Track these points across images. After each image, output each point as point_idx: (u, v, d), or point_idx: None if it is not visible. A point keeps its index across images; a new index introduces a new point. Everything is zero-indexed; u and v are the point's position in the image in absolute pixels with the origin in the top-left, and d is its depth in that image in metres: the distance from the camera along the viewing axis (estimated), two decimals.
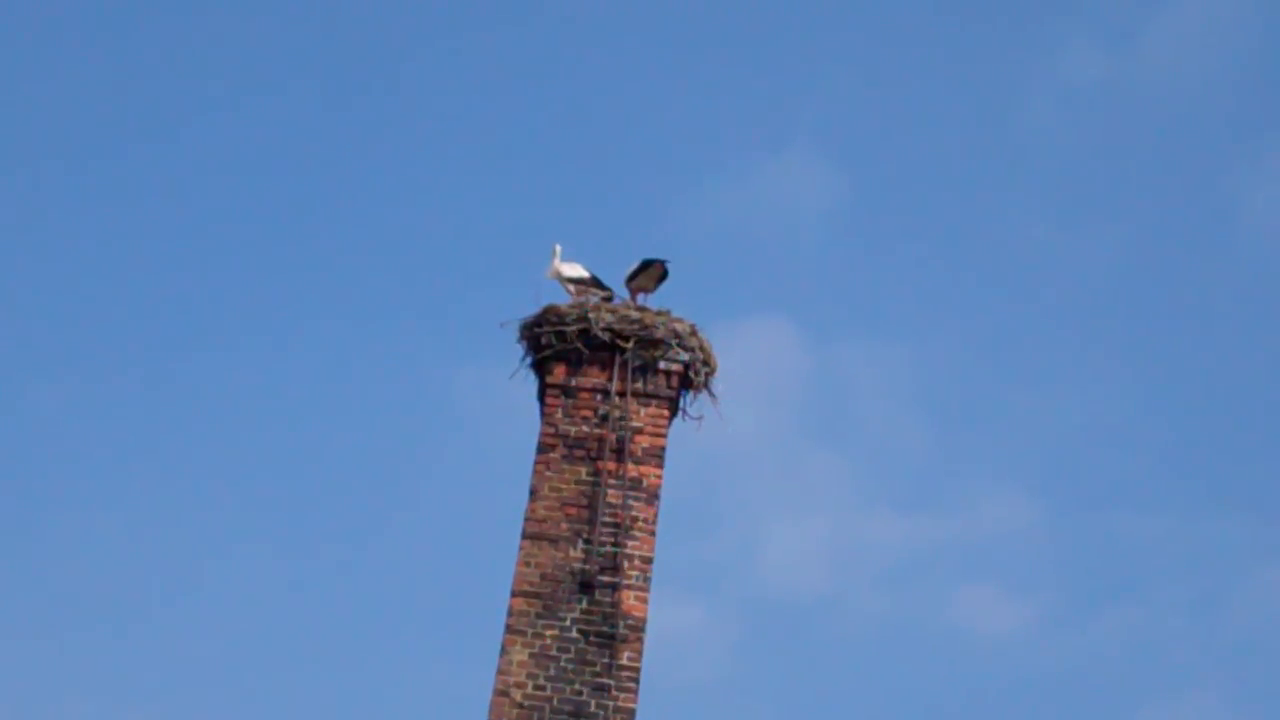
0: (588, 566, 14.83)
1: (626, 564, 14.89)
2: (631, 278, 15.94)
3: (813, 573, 37.25)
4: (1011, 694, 33.97)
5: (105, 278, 37.69)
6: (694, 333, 15.60)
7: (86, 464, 35.91)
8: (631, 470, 15.15)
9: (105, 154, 38.64)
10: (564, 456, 15.22)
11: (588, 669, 14.60)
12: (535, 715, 14.45)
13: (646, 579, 14.91)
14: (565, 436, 15.28)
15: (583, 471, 15.18)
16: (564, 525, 15.02)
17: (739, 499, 37.24)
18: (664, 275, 15.89)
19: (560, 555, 14.92)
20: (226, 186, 38.87)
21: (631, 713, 14.49)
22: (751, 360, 34.49)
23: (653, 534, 15.05)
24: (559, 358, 15.49)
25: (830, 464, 38.40)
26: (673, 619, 32.58)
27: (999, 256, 39.77)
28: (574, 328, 15.45)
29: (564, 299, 15.79)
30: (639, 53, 39.99)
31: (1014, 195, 40.34)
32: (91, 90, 38.82)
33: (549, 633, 14.71)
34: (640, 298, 15.89)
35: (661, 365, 15.47)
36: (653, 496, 15.15)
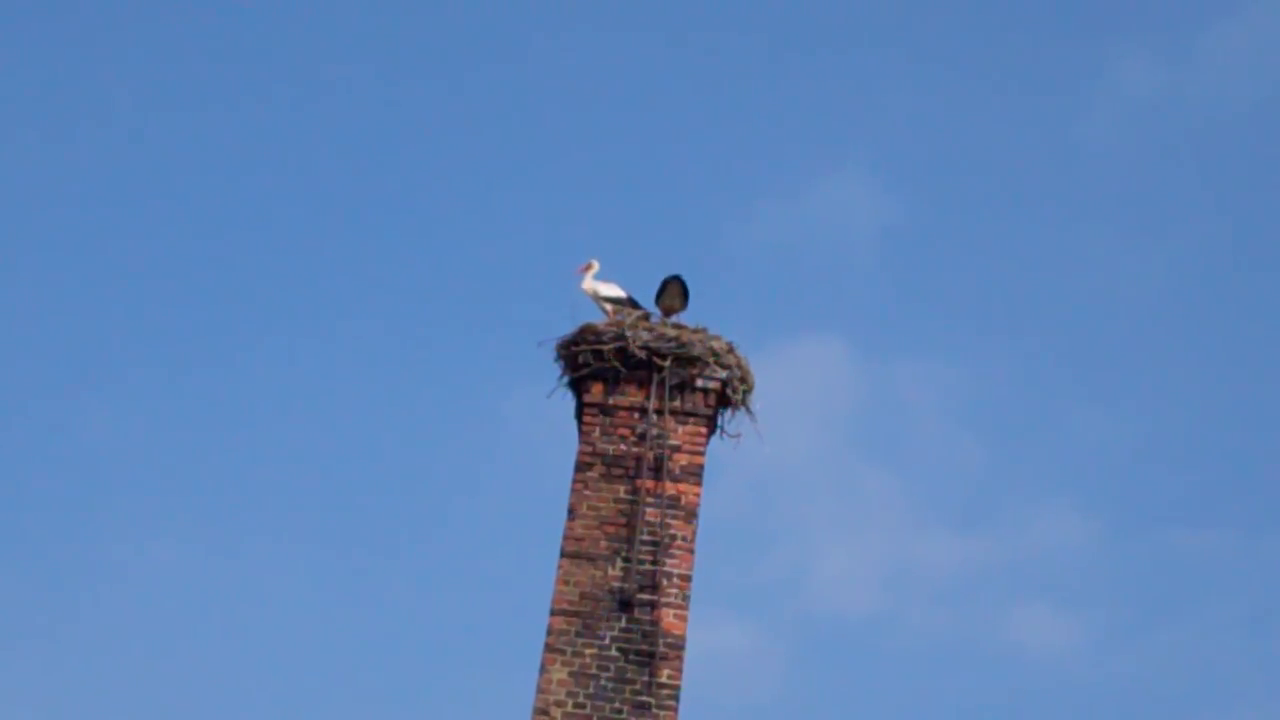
0: (626, 585, 14.84)
1: (665, 582, 14.88)
2: (659, 298, 15.97)
3: (866, 592, 37.18)
4: (1066, 711, 33.80)
5: (156, 302, 37.91)
6: (731, 350, 15.59)
7: (135, 485, 36.11)
8: (670, 488, 15.15)
9: (159, 175, 38.87)
10: (602, 475, 15.24)
11: (627, 687, 14.60)
12: None
13: (685, 597, 14.90)
14: (603, 455, 15.30)
15: (621, 490, 15.19)
16: (603, 544, 15.02)
17: (792, 518, 37.20)
18: (685, 290, 15.91)
19: (599, 574, 14.92)
20: (281, 210, 39.06)
21: None
22: (804, 379, 34.47)
23: (691, 552, 15.05)
24: (596, 376, 15.51)
25: (883, 482, 38.32)
26: (725, 639, 32.55)
27: (1053, 272, 39.66)
28: (611, 346, 15.46)
29: (600, 316, 15.82)
30: (692, 73, 40.04)
31: (1069, 210, 40.21)
32: (148, 109, 39.05)
33: (588, 651, 14.71)
34: (674, 317, 15.90)
35: (699, 383, 15.46)
36: (691, 514, 15.14)
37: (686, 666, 14.79)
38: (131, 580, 35.23)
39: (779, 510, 36.39)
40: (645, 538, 15.02)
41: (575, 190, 38.91)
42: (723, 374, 15.49)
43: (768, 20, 40.24)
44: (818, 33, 40.35)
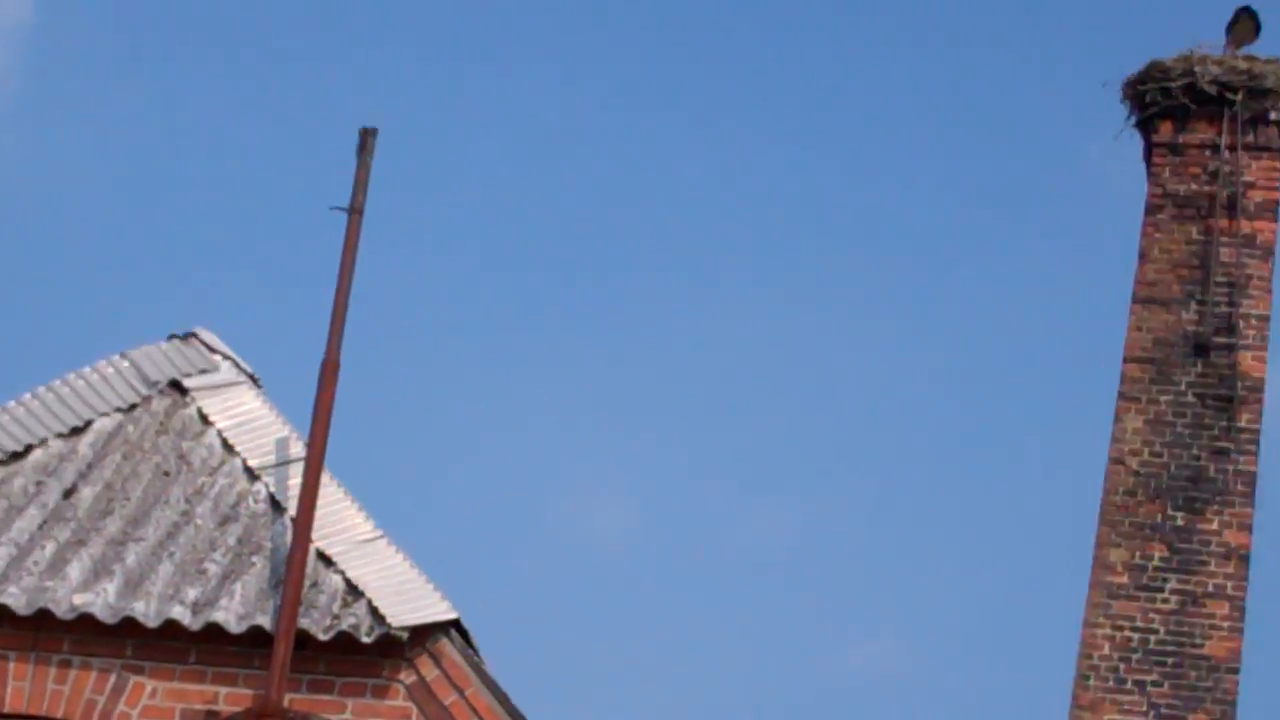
0: (1202, 329, 14.55)
1: (1242, 324, 14.53)
2: (1229, 30, 15.25)
3: None
4: None
5: None
6: None
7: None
8: (1244, 226, 14.69)
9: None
10: (1173, 217, 14.81)
11: (1205, 433, 14.40)
12: (1152, 482, 14.36)
13: (1264, 338, 14.55)
14: (1174, 196, 14.84)
15: (1193, 231, 14.75)
16: (1175, 287, 14.69)
17: None
18: (1257, 21, 15.17)
19: (1173, 318, 14.63)
20: None
21: (1252, 476, 14.30)
22: None
23: (1269, 291, 14.65)
24: (1165, 115, 14.94)
25: None
26: None
27: None
28: (1179, 83, 14.86)
29: (1168, 54, 15.19)
30: None
31: None
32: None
33: (1163, 398, 14.51)
34: (1245, 48, 15.20)
35: (1273, 116, 14.81)
36: (1268, 252, 14.70)
37: (1267, 409, 14.54)
38: None
39: None
40: (1220, 279, 14.62)
41: None
42: None
43: None
44: None
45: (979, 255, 35.90)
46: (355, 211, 9.99)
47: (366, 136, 10.13)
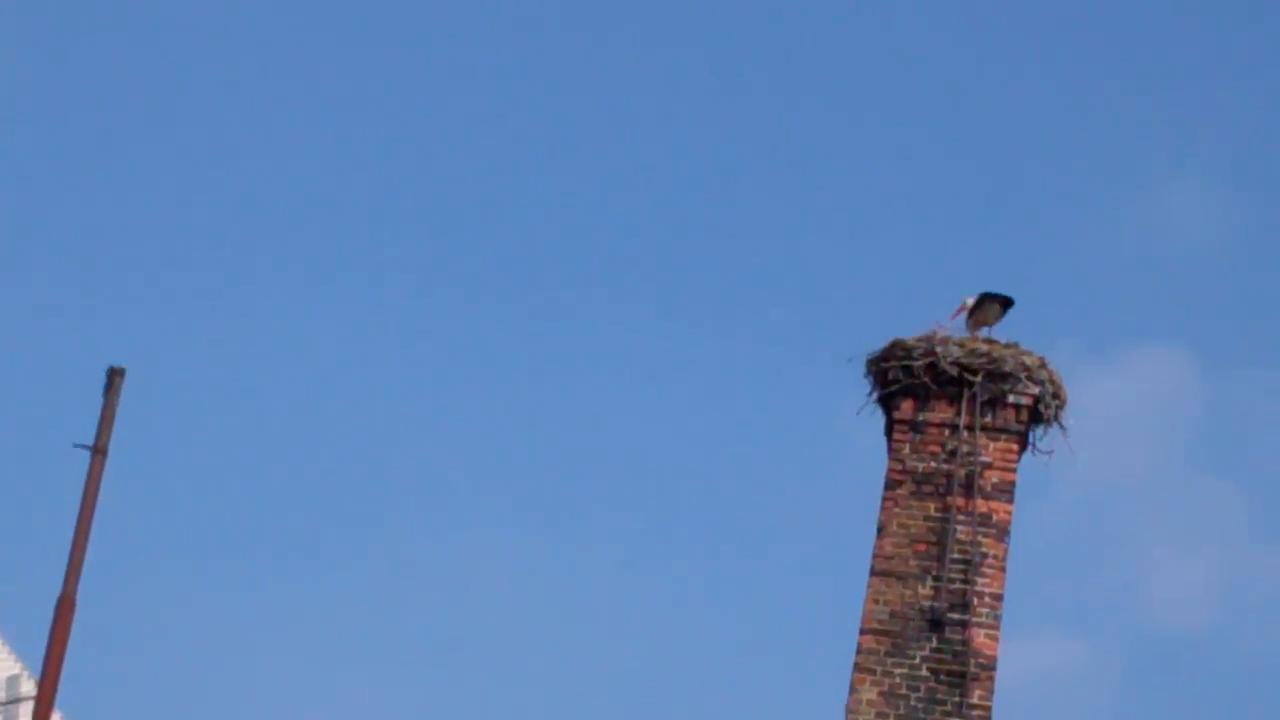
0: (937, 604, 14.79)
1: (976, 601, 14.79)
2: (973, 311, 15.74)
3: (1203, 606, 36.38)
4: None
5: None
6: (1043, 365, 15.33)
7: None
8: (981, 506, 15.02)
9: None
10: (912, 493, 15.13)
11: (938, 708, 14.59)
12: None
13: (997, 616, 14.81)
14: (913, 472, 15.17)
15: (931, 508, 15.06)
16: (912, 562, 14.95)
17: (1124, 532, 36.51)
18: (1006, 306, 15.69)
19: (909, 592, 14.88)
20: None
21: None
22: (1146, 389, 33.66)
23: (1003, 570, 14.93)
24: (906, 393, 15.33)
25: (1223, 494, 37.30)
26: (1053, 658, 32.15)
27: None
28: (921, 362, 15.28)
29: (908, 333, 15.61)
30: (1032, 74, 38.85)
31: None
32: None
33: (898, 671, 14.71)
34: (984, 331, 15.69)
35: (1010, 399, 15.25)
36: (1003, 532, 15.01)
37: (1006, 686, 14.78)
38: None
39: (1112, 524, 35.80)
40: (956, 556, 14.91)
41: (912, 193, 38.14)
42: (1035, 390, 15.26)
43: (1105, 18, 38.87)
44: (1159, 32, 38.87)
45: (722, 518, 36.30)
46: (99, 450, 9.88)
47: (114, 376, 10.06)
